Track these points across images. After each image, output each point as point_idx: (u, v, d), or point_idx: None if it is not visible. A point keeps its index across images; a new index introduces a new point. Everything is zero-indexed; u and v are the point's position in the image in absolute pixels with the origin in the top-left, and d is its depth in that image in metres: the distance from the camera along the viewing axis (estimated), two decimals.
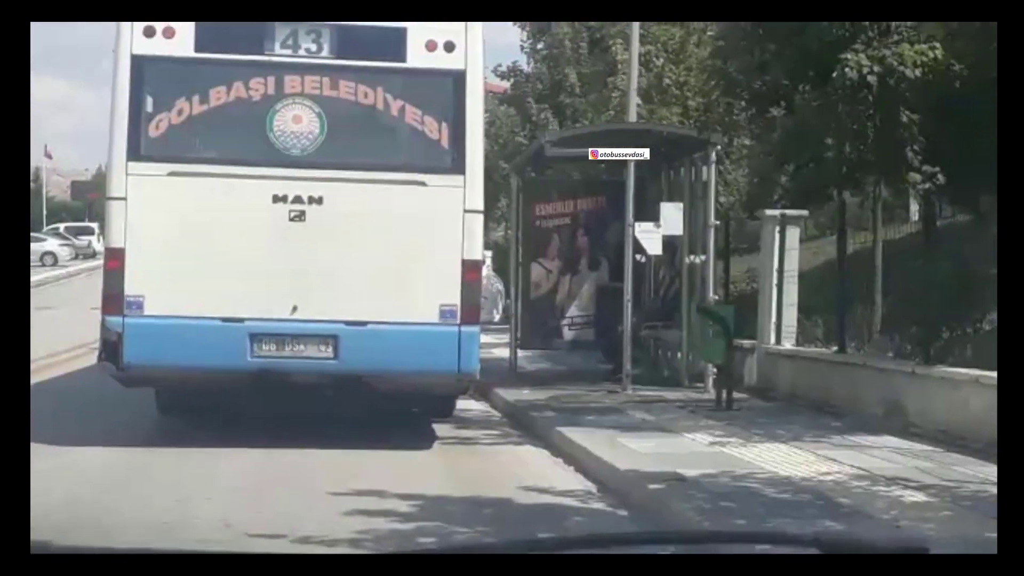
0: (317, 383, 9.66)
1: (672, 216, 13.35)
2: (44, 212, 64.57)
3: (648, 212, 13.54)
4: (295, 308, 9.34)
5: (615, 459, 8.59)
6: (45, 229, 56.13)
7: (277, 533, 6.21)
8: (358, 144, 9.78)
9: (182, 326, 9.24)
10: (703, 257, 13.63)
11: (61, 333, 17.45)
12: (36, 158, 67.95)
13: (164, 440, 9.91)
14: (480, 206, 9.66)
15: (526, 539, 2.32)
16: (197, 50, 9.39)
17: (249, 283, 9.33)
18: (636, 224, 13.19)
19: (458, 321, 9.38)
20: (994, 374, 8.03)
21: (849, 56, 11.23)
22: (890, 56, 11.30)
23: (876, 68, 11.25)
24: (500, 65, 26.51)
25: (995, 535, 5.06)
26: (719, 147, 14.50)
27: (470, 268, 9.50)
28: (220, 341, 9.24)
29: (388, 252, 9.41)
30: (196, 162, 9.58)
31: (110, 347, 9.35)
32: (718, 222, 13.97)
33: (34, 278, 35.33)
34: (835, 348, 12.45)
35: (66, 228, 56.73)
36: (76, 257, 49.25)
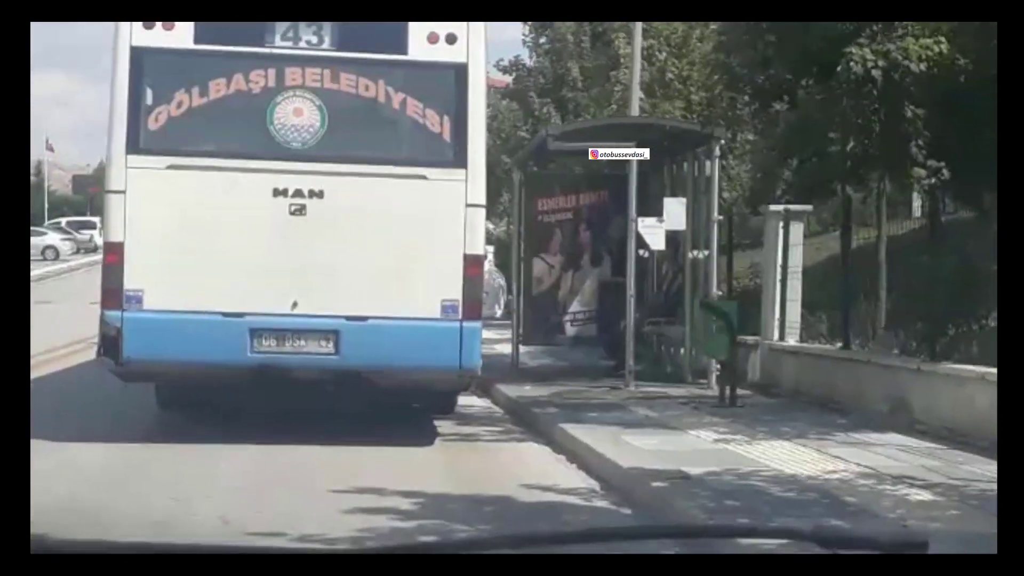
0: (318, 379, 9.59)
1: (675, 211, 13.27)
2: (46, 206, 64.51)
3: (651, 207, 13.45)
4: (296, 303, 9.26)
5: (618, 456, 8.51)
6: (47, 223, 56.09)
7: (277, 531, 6.14)
8: (359, 137, 9.69)
9: (182, 321, 9.16)
10: (706, 252, 13.55)
11: (62, 327, 17.38)
12: (38, 152, 67.93)
13: (163, 437, 9.84)
14: (482, 200, 9.58)
15: (521, 534, 2.27)
16: (197, 42, 9.31)
17: (249, 277, 9.26)
18: (639, 219, 13.11)
19: (460, 316, 9.30)
20: None
21: (854, 50, 11.16)
22: (895, 50, 11.23)
23: (881, 62, 11.19)
24: (502, 59, 26.48)
25: None
26: (723, 141, 14.41)
27: (472, 263, 9.42)
28: (220, 336, 9.17)
29: (389, 247, 9.33)
30: (196, 155, 9.50)
31: (109, 342, 9.28)
32: (721, 217, 13.89)
33: (35, 272, 35.31)
34: (839, 344, 12.37)
35: (67, 222, 56.70)
36: (77, 251, 49.22)
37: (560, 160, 17.99)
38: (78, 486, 7.81)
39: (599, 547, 1.93)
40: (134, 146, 9.27)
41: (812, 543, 1.92)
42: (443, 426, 10.65)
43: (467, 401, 11.71)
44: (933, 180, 11.47)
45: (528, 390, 12.65)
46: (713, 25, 17.73)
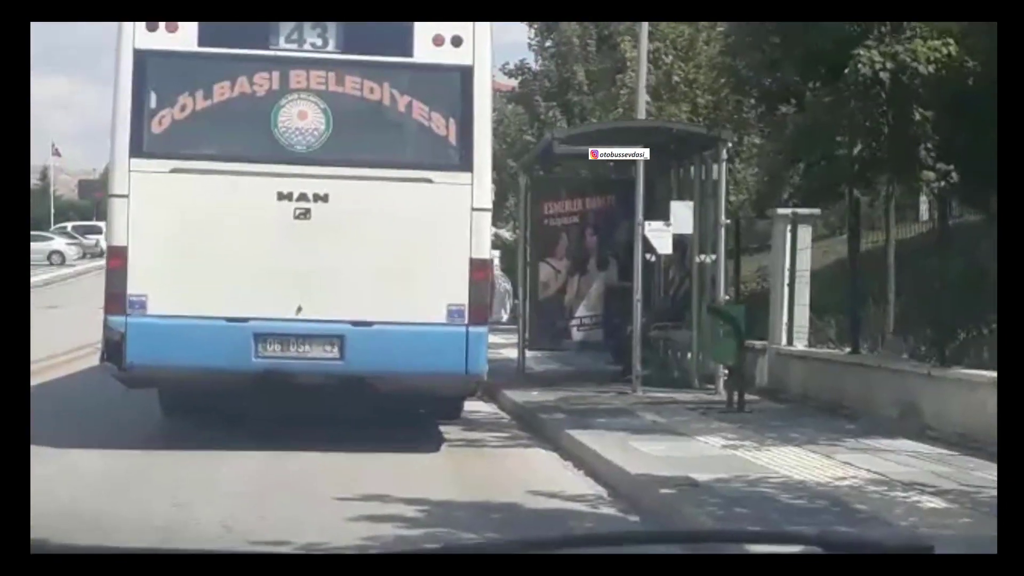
0: (322, 384, 9.51)
1: (682, 214, 13.19)
2: (52, 211, 64.54)
3: (657, 211, 13.38)
4: (300, 308, 9.19)
5: (626, 463, 8.43)
6: (53, 228, 56.12)
7: (280, 539, 6.05)
8: (364, 140, 9.63)
9: (185, 326, 9.10)
10: (713, 256, 13.47)
11: (67, 333, 17.33)
12: (44, 157, 68.02)
13: (166, 443, 9.77)
14: (488, 204, 9.52)
15: (522, 538, 2.25)
16: (200, 44, 9.24)
17: (253, 282, 9.18)
18: (646, 223, 13.03)
19: (466, 321, 9.23)
20: None
21: (862, 52, 11.07)
22: (903, 52, 11.13)
23: (889, 64, 11.09)
24: (508, 63, 26.43)
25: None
26: (730, 144, 14.33)
27: (478, 267, 9.34)
28: (224, 341, 9.09)
29: (394, 251, 9.26)
30: (200, 159, 9.43)
31: (112, 347, 9.21)
32: (728, 221, 13.81)
33: (41, 277, 35.34)
34: (848, 349, 12.27)
35: (74, 227, 56.70)
36: (83, 256, 49.19)
37: (566, 164, 17.89)
38: (79, 491, 7.74)
39: (606, 550, 1.91)
40: (137, 149, 9.20)
41: (817, 547, 1.92)
42: (449, 432, 10.57)
43: (473, 406, 11.62)
44: (942, 183, 11.38)
45: (535, 395, 12.56)
46: (720, 27, 17.65)
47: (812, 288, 13.31)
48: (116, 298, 9.18)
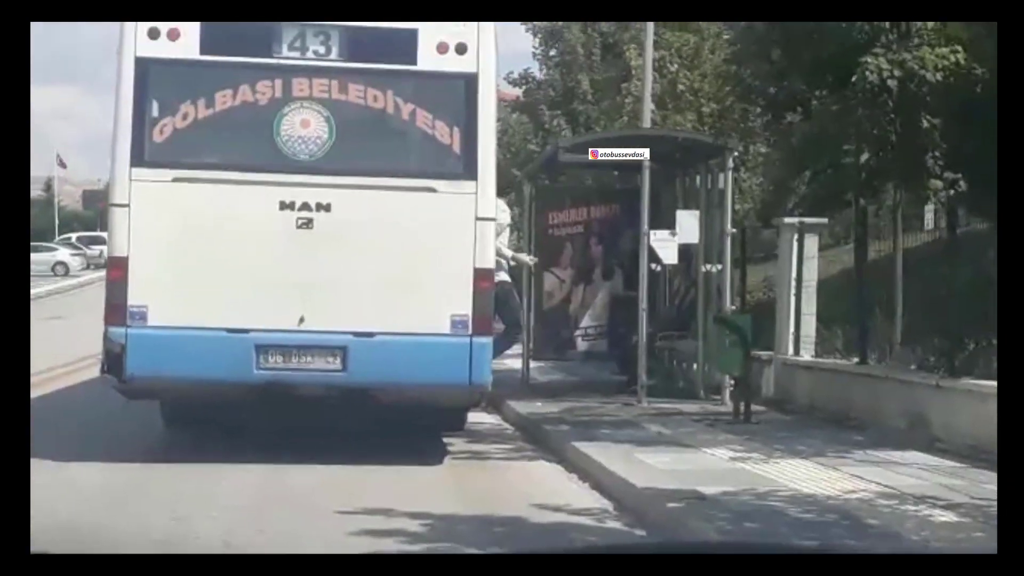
0: (325, 396, 9.41)
1: (688, 224, 13.09)
2: (56, 221, 64.59)
3: (662, 220, 13.28)
4: (302, 319, 9.09)
5: (632, 475, 8.31)
6: (57, 239, 56.12)
7: (279, 554, 5.95)
8: (367, 149, 9.53)
9: (186, 337, 9.00)
10: (719, 266, 13.36)
11: (70, 343, 17.24)
12: (49, 167, 68.11)
13: (165, 455, 9.67)
14: (492, 213, 9.41)
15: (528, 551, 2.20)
16: (203, 52, 9.16)
17: (255, 293, 9.09)
18: (652, 232, 12.93)
19: (470, 332, 9.12)
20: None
21: (869, 60, 10.99)
22: (911, 60, 11.05)
23: (897, 72, 11.01)
24: (512, 72, 26.36)
25: None
26: (736, 153, 14.24)
27: (482, 277, 9.24)
28: (225, 352, 9.00)
29: (398, 260, 9.16)
30: (201, 168, 9.34)
31: (113, 358, 9.11)
32: (735, 230, 13.71)
33: (45, 288, 35.29)
34: (855, 359, 12.16)
35: (78, 238, 56.71)
36: (88, 267, 49.14)
37: (571, 173, 17.82)
38: (78, 505, 7.66)
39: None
40: (138, 159, 9.11)
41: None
42: (452, 443, 10.46)
43: (477, 418, 11.52)
44: (951, 192, 11.28)
45: (539, 406, 12.45)
46: (725, 36, 17.58)
47: (818, 298, 13.20)
48: (116, 309, 9.09)
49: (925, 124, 11.22)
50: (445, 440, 10.55)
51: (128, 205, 9.10)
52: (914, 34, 11.16)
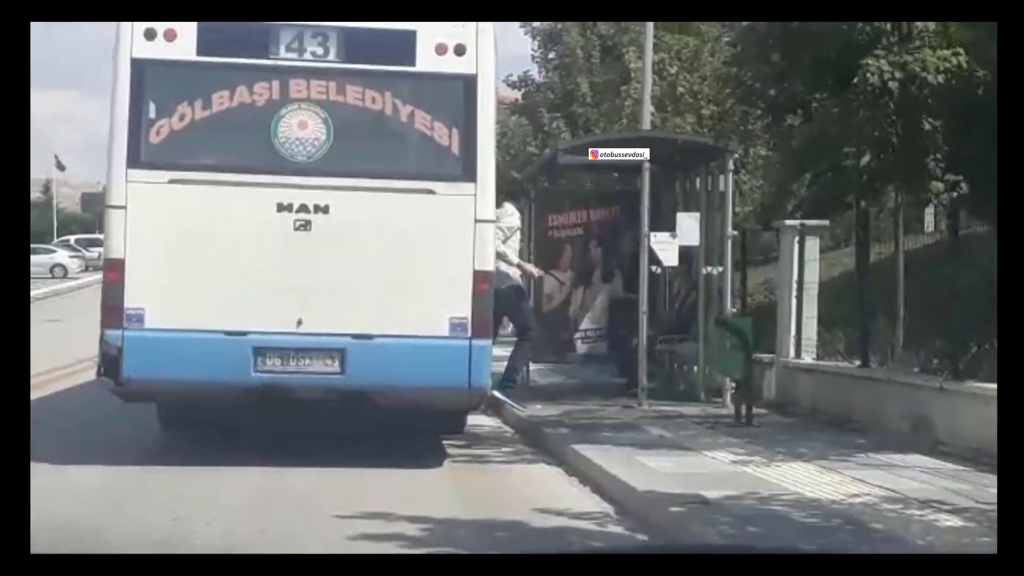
0: (323, 398, 9.35)
1: (688, 226, 13.03)
2: (55, 224, 64.55)
3: (662, 222, 13.23)
4: (300, 321, 9.03)
5: (633, 479, 8.25)
6: (56, 241, 56.06)
7: (279, 554, 5.89)
8: (365, 151, 9.47)
9: (184, 339, 8.94)
10: (720, 268, 13.30)
11: (68, 345, 17.19)
12: (47, 170, 68.05)
13: (164, 457, 9.61)
14: (492, 215, 9.36)
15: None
16: (199, 53, 9.09)
17: (253, 295, 9.03)
18: (652, 234, 12.87)
19: (469, 334, 9.06)
20: None
21: (870, 62, 10.93)
22: (912, 62, 11.00)
23: (898, 74, 10.96)
24: (511, 75, 26.30)
25: None
26: (736, 155, 14.18)
27: (481, 279, 9.18)
28: (223, 355, 8.94)
29: (396, 263, 9.10)
30: (198, 169, 9.28)
31: (110, 361, 9.05)
32: (735, 232, 13.65)
33: (44, 290, 35.24)
34: (857, 362, 12.10)
35: (76, 240, 56.68)
36: (86, 269, 49.10)
37: (570, 175, 17.76)
38: (77, 506, 7.62)
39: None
40: (135, 160, 9.05)
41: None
42: (452, 446, 10.40)
43: (476, 421, 11.46)
44: (952, 194, 11.23)
45: (539, 409, 12.38)
46: (725, 38, 17.53)
47: (819, 301, 13.15)
48: (113, 311, 9.03)
49: (926, 126, 11.16)
50: (444, 443, 10.48)
51: (124, 207, 9.04)
52: (915, 36, 11.10)
